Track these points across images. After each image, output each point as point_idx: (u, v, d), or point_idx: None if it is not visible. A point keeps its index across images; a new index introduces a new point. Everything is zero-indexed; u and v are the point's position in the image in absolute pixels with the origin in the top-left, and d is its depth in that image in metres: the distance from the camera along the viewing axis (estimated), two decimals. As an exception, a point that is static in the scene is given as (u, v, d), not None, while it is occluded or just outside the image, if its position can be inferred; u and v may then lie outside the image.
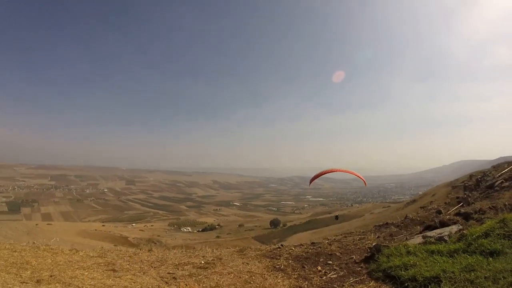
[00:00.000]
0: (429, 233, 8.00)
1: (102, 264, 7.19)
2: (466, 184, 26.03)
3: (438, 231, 8.07)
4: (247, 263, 7.65)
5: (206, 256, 8.37)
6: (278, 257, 8.23)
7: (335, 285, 6.11)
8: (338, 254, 8.28)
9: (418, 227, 10.83)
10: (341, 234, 12.74)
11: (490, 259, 5.32)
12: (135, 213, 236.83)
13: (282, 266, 7.40)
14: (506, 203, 11.00)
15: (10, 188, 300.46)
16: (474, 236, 6.40)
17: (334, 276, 6.64)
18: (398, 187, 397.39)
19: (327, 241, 10.27)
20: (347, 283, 6.16)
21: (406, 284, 5.28)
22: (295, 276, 6.74)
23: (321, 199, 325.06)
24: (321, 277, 6.63)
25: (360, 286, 5.90)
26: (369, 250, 7.57)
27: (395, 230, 11.51)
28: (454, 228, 8.01)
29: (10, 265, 6.26)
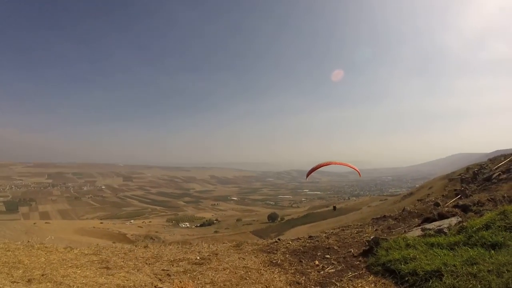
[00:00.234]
0: (428, 226, 7.88)
1: (96, 261, 7.03)
2: (463, 177, 26.04)
3: (437, 223, 7.95)
4: (243, 258, 7.51)
5: (202, 252, 8.23)
6: (275, 252, 8.11)
7: (333, 280, 5.95)
8: (336, 247, 8.16)
9: (416, 219, 10.75)
10: (338, 227, 12.68)
11: (492, 251, 5.16)
12: (133, 210, 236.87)
13: (279, 261, 7.26)
14: (505, 195, 10.94)
15: (7, 188, 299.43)
16: (474, 228, 6.25)
17: (332, 270, 6.51)
18: (395, 180, 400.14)
19: (324, 234, 10.17)
20: (345, 277, 6.01)
21: (407, 278, 5.13)
22: (292, 271, 6.60)
23: (319, 192, 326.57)
24: (319, 272, 6.48)
25: (359, 280, 5.74)
26: (367, 243, 7.44)
27: (393, 222, 11.44)
28: (453, 220, 7.89)
29: (2, 264, 6.10)
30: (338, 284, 5.73)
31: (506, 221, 6.07)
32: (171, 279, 6.00)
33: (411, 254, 5.78)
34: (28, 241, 8.71)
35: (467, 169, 30.43)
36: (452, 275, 4.69)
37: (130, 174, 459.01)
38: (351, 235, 9.59)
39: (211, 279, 6.05)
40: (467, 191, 15.87)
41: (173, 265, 6.92)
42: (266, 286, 5.75)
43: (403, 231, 9.00)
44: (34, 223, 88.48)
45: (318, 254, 7.72)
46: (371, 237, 7.78)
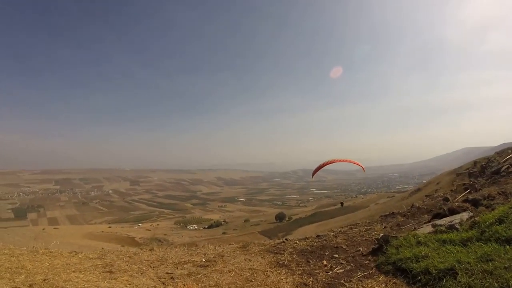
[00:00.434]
0: (438, 222, 7.62)
1: (100, 265, 6.92)
2: (471, 171, 25.63)
3: (448, 219, 7.69)
4: (249, 260, 7.34)
5: (207, 254, 8.08)
6: (282, 252, 7.92)
7: (342, 281, 5.72)
8: (344, 246, 7.93)
9: (426, 215, 10.48)
10: (346, 226, 12.42)
11: (508, 247, 4.90)
12: (141, 213, 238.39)
13: (286, 262, 7.06)
14: (516, 187, 10.64)
15: (15, 195, 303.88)
16: (487, 223, 5.98)
17: (341, 270, 6.28)
18: (402, 177, 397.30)
19: (332, 233, 9.93)
20: (355, 278, 5.78)
21: (419, 278, 4.88)
22: (300, 272, 6.39)
23: (326, 191, 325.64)
24: (327, 272, 6.26)
25: (369, 281, 5.50)
26: (376, 242, 7.20)
27: (402, 219, 11.16)
28: (464, 215, 7.63)
29: (5, 270, 6.03)
30: (347, 285, 5.51)
31: (520, 214, 5.81)
32: (175, 282, 5.86)
33: (423, 252, 5.53)
34: (34, 247, 8.65)
35: (475, 163, 29.97)
36: (467, 273, 4.44)
37: (137, 178, 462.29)
38: (359, 233, 9.35)
39: (216, 281, 5.89)
40: (476, 185, 15.54)
41: (177, 268, 6.78)
42: (272, 288, 5.56)
43: (413, 228, 8.75)
44: (43, 229, 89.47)
45: (326, 253, 7.50)
46: (380, 235, 7.52)
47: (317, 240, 9.03)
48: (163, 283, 5.79)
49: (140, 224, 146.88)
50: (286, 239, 9.63)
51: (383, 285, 5.23)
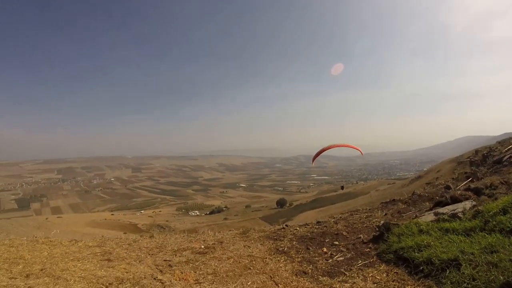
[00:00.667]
0: (441, 210, 7.47)
1: (99, 253, 6.89)
2: (472, 160, 25.46)
3: (450, 207, 7.54)
4: (248, 246, 7.26)
5: (207, 240, 8.01)
6: (282, 239, 7.83)
7: (342, 269, 5.61)
8: (344, 233, 7.83)
9: (427, 203, 10.35)
10: (347, 212, 12.34)
11: (512, 238, 4.73)
12: (143, 200, 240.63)
13: (285, 249, 6.98)
14: (519, 177, 10.45)
15: (18, 185, 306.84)
16: (490, 212, 5.76)
17: (341, 258, 6.18)
18: (403, 164, 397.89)
19: (333, 219, 9.82)
20: (355, 266, 5.67)
21: (421, 268, 4.73)
22: (299, 259, 6.30)
23: (326, 177, 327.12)
24: (327, 260, 6.16)
25: (370, 270, 5.39)
26: (377, 229, 7.07)
27: (403, 207, 11.04)
28: (467, 204, 7.47)
29: (3, 260, 6.01)
30: (348, 274, 5.39)
31: (525, 204, 5.64)
32: (172, 270, 5.79)
33: (425, 241, 5.37)
34: (34, 236, 8.62)
35: (476, 151, 29.79)
36: (471, 265, 4.28)
37: (139, 165, 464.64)
38: (360, 220, 9.25)
39: (214, 269, 5.81)
40: (478, 174, 15.37)
41: (176, 255, 6.72)
42: (270, 276, 5.47)
43: (414, 215, 8.63)
44: (46, 218, 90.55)
45: (326, 240, 7.41)
46: (381, 222, 7.39)
47: (317, 226, 8.94)
48: (161, 271, 5.72)
49: (142, 211, 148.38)
50: (286, 225, 9.55)
51: (384, 275, 5.11)
